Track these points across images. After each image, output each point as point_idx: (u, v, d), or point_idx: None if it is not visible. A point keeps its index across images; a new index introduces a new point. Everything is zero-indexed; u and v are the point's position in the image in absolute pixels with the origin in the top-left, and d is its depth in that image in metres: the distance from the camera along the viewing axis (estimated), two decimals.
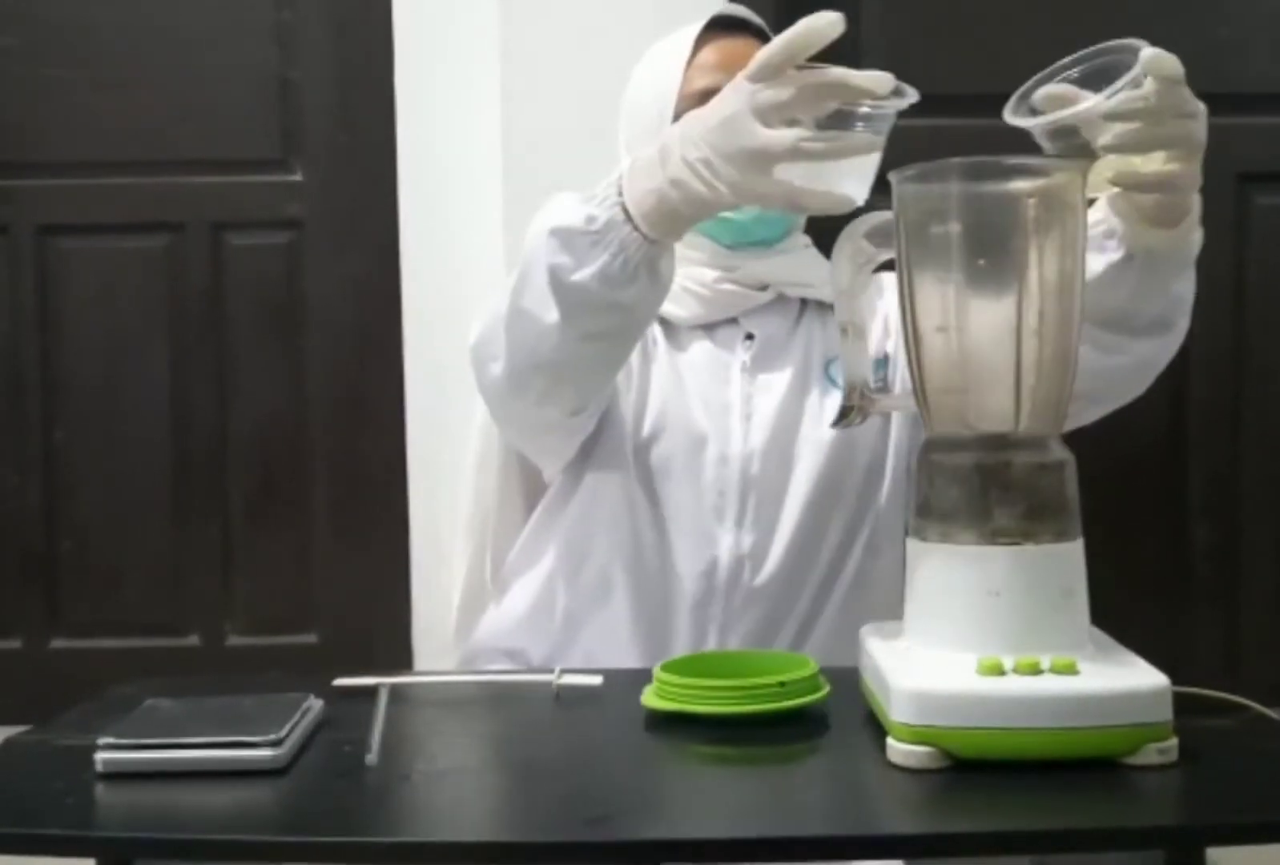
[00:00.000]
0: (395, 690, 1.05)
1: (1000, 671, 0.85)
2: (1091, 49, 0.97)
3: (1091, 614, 0.92)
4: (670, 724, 0.97)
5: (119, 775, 0.87)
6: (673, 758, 0.94)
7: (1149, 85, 0.92)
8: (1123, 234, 1.08)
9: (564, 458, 1.28)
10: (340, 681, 1.08)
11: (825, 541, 1.29)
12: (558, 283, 1.05)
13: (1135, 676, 0.86)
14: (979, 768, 0.84)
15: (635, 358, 1.29)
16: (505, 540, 1.34)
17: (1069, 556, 0.91)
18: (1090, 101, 0.93)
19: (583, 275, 1.03)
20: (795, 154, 0.92)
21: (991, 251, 0.92)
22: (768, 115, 0.92)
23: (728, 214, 1.25)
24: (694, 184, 0.97)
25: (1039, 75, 0.97)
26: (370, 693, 1.04)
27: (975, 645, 0.88)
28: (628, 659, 1.24)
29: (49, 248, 2.19)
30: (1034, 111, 0.96)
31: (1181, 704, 0.86)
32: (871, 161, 0.96)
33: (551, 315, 1.07)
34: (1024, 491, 0.90)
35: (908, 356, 0.97)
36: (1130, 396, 1.24)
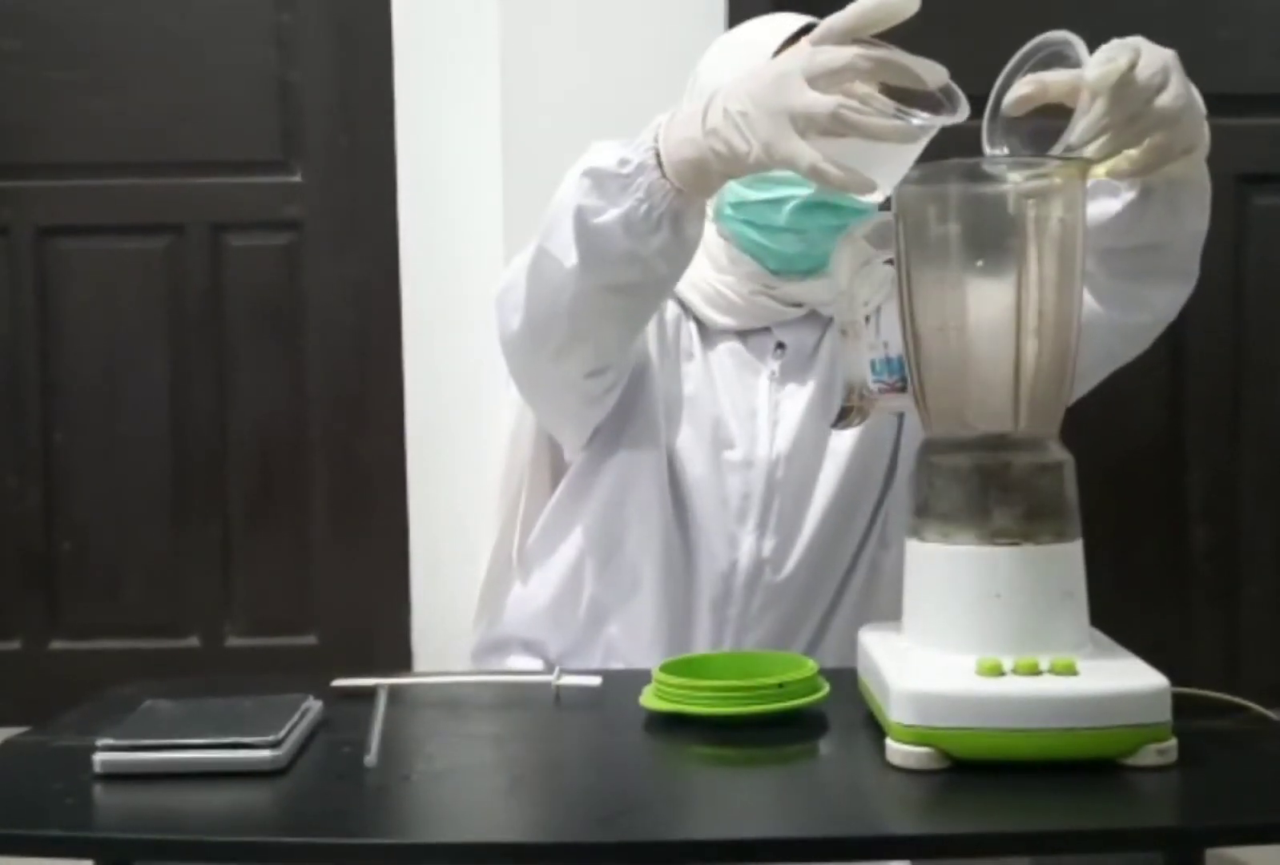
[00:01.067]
0: (394, 691, 1.05)
1: (999, 672, 0.85)
2: (1028, 47, 0.96)
3: (1091, 615, 0.92)
4: (669, 725, 0.97)
5: (118, 776, 0.87)
6: (672, 759, 0.94)
7: (1100, 105, 0.91)
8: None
9: (580, 434, 1.28)
10: (339, 682, 1.08)
11: (844, 544, 1.29)
12: (582, 224, 1.04)
13: (1134, 677, 0.86)
14: (978, 769, 0.83)
15: (672, 351, 1.29)
16: (534, 516, 1.34)
17: (1068, 557, 0.91)
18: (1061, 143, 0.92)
19: (606, 219, 1.02)
20: (834, 120, 0.90)
21: (990, 252, 0.92)
22: (818, 78, 0.91)
23: (775, 245, 1.25)
24: (730, 136, 0.96)
25: (995, 90, 0.96)
26: (369, 694, 1.04)
27: (974, 646, 0.88)
28: (650, 655, 1.23)
29: (49, 249, 2.19)
30: (1008, 124, 0.95)
31: (1181, 705, 0.85)
32: (906, 157, 0.95)
33: (571, 259, 1.06)
34: (1023, 492, 0.90)
35: (906, 357, 0.97)
36: (1137, 353, 1.23)
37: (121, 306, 2.19)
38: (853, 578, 1.29)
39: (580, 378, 1.20)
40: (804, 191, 1.20)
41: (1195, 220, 1.10)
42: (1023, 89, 0.93)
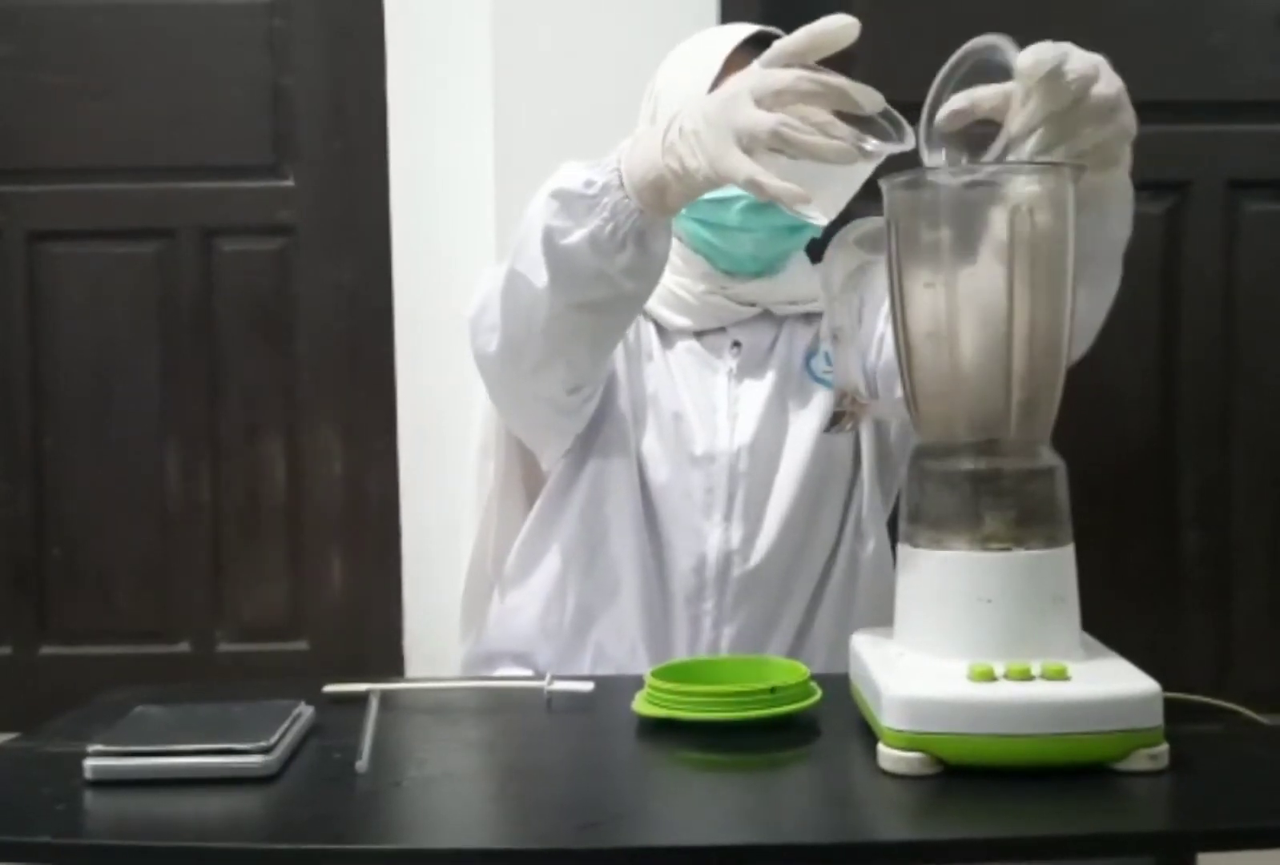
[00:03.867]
0: (386, 697, 1.05)
1: (991, 677, 0.85)
2: (957, 56, 0.96)
3: (1083, 620, 0.93)
4: (661, 730, 0.97)
5: (108, 783, 0.87)
6: (664, 764, 0.94)
7: (1035, 97, 0.92)
8: None
9: (560, 445, 1.29)
10: (330, 688, 1.08)
11: (815, 534, 1.30)
12: (550, 245, 1.06)
13: (1126, 682, 0.86)
14: (970, 774, 0.84)
15: (635, 354, 1.31)
16: (509, 528, 1.36)
17: (1060, 562, 0.91)
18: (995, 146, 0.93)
19: (574, 239, 1.04)
20: (775, 137, 0.93)
21: (981, 257, 0.92)
22: (763, 98, 0.94)
23: (725, 245, 1.28)
24: (683, 153, 0.99)
25: (927, 102, 0.96)
26: (361, 699, 1.04)
27: (966, 651, 0.88)
28: (636, 653, 1.26)
29: (40, 254, 2.18)
30: (943, 135, 0.96)
31: (1172, 709, 0.86)
32: (848, 181, 0.98)
33: (542, 279, 1.08)
34: (1015, 497, 0.90)
35: (898, 363, 0.97)
36: (1078, 356, 1.22)
37: (113, 311, 2.18)
38: (832, 571, 1.31)
39: (559, 394, 1.22)
40: None
41: (1119, 228, 1.12)
42: (955, 104, 0.94)
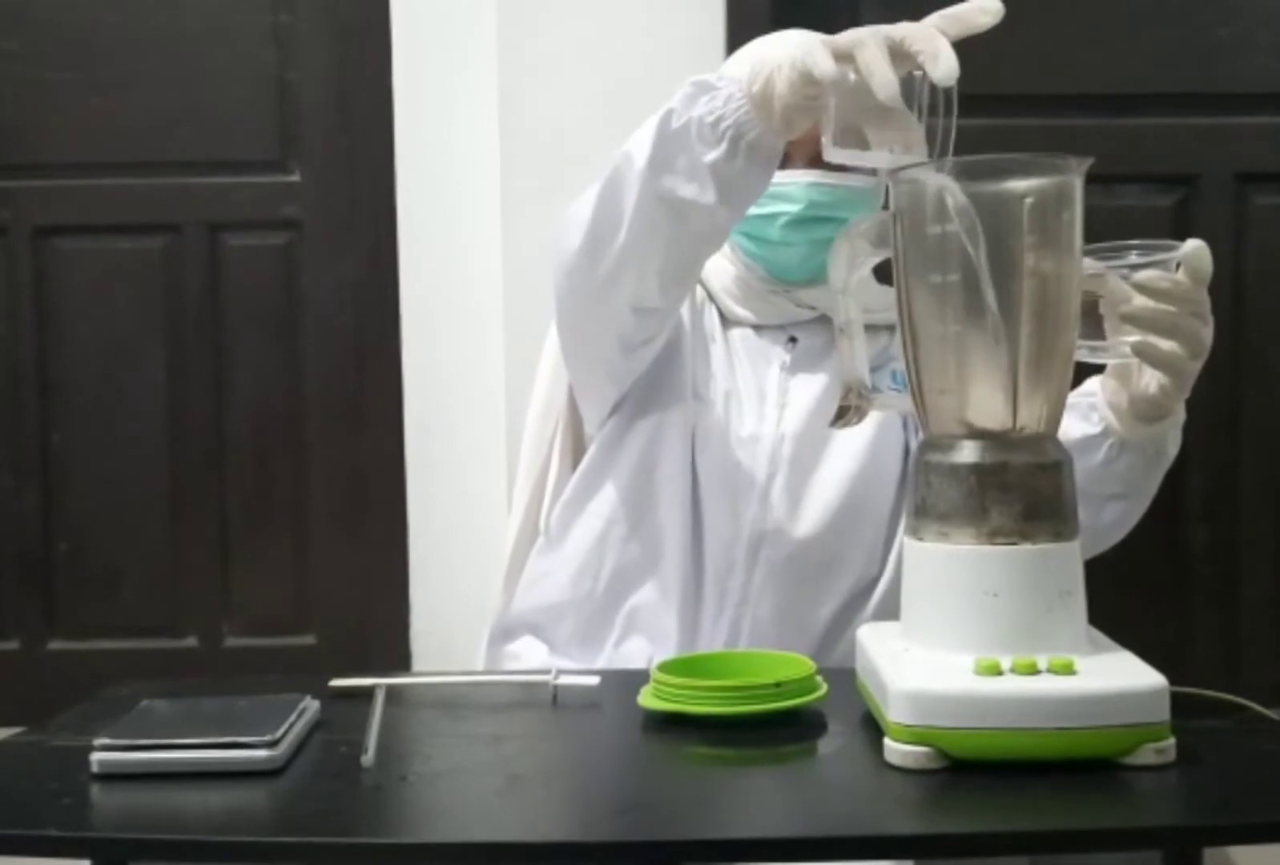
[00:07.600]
0: (392, 691, 1.05)
1: (998, 672, 0.85)
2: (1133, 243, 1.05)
3: (1090, 614, 0.92)
4: (667, 725, 0.97)
5: (115, 776, 0.87)
6: (669, 759, 0.94)
7: (1181, 276, 1.03)
8: (1103, 415, 1.17)
9: (610, 394, 1.31)
10: (336, 682, 1.08)
11: (853, 544, 1.31)
12: (664, 125, 1.09)
13: (1133, 677, 0.86)
14: (976, 768, 0.83)
15: (700, 331, 1.35)
16: (562, 489, 1.37)
17: (1066, 556, 0.91)
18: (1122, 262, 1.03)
19: (683, 122, 1.07)
20: (859, 45, 0.94)
21: (988, 251, 0.92)
22: (880, 32, 0.95)
23: (771, 256, 1.33)
24: (791, 55, 1.00)
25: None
26: (367, 693, 1.04)
27: (973, 645, 0.88)
28: (668, 619, 1.27)
29: (46, 249, 2.19)
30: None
31: (1179, 704, 0.85)
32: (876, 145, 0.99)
33: (644, 157, 1.10)
34: (1021, 491, 0.90)
35: (904, 357, 0.97)
36: (1104, 548, 1.28)
37: (119, 306, 2.19)
38: (876, 585, 1.31)
39: (626, 315, 1.23)
40: (794, 207, 1.28)
41: (1143, 479, 1.22)
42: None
